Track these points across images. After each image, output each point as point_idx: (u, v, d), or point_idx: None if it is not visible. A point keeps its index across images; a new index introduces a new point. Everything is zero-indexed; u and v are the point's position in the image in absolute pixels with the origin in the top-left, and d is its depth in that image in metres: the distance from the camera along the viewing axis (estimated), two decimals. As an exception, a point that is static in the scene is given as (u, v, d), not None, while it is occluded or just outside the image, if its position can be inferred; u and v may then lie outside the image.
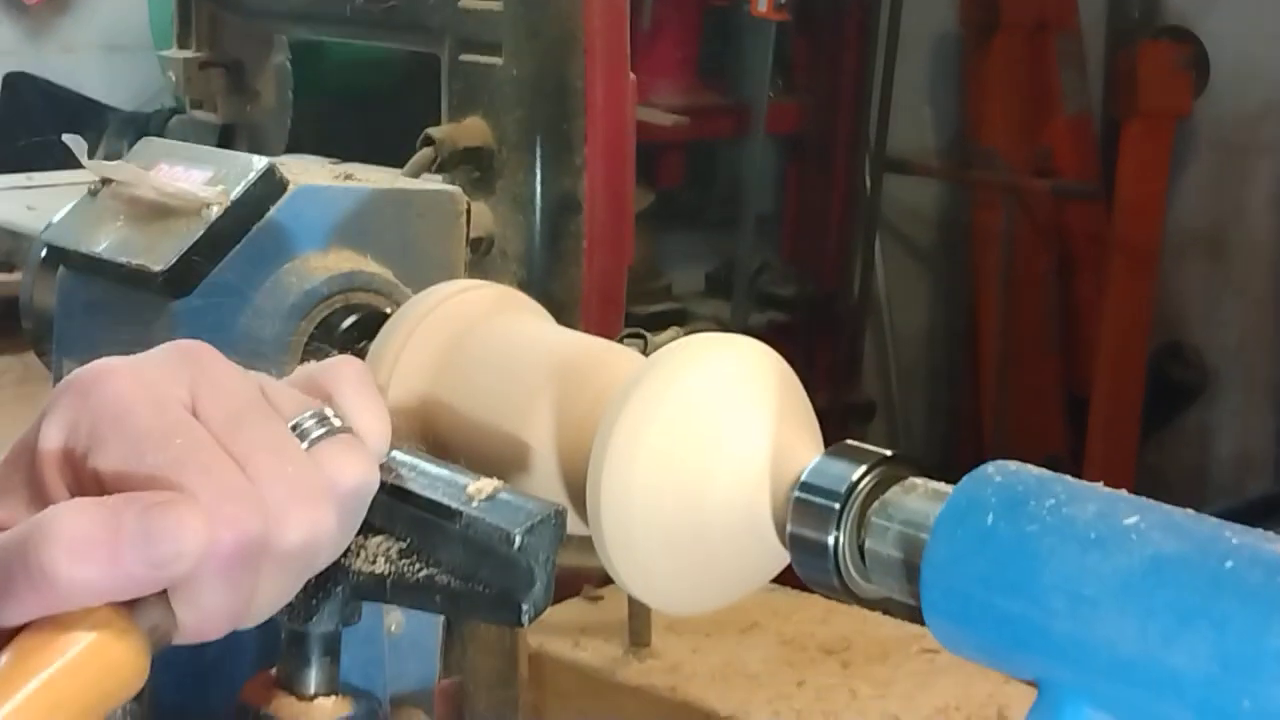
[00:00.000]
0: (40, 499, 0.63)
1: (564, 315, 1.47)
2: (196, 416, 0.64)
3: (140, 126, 3.12)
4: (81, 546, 0.58)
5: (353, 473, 0.67)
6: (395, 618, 1.01)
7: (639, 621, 1.37)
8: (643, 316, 3.34)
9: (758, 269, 4.09)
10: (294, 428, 0.67)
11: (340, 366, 0.72)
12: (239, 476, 0.63)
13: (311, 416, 0.67)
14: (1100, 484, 0.65)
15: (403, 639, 1.01)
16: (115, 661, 0.60)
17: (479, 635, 1.34)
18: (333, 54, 3.35)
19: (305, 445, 0.66)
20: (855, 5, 4.10)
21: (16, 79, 3.62)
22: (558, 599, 1.46)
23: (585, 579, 1.45)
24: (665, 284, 3.96)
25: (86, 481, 0.63)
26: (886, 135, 4.19)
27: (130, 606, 0.61)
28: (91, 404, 0.63)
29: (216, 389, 0.65)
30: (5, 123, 3.52)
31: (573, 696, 1.36)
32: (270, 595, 0.66)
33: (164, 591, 0.62)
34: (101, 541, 0.59)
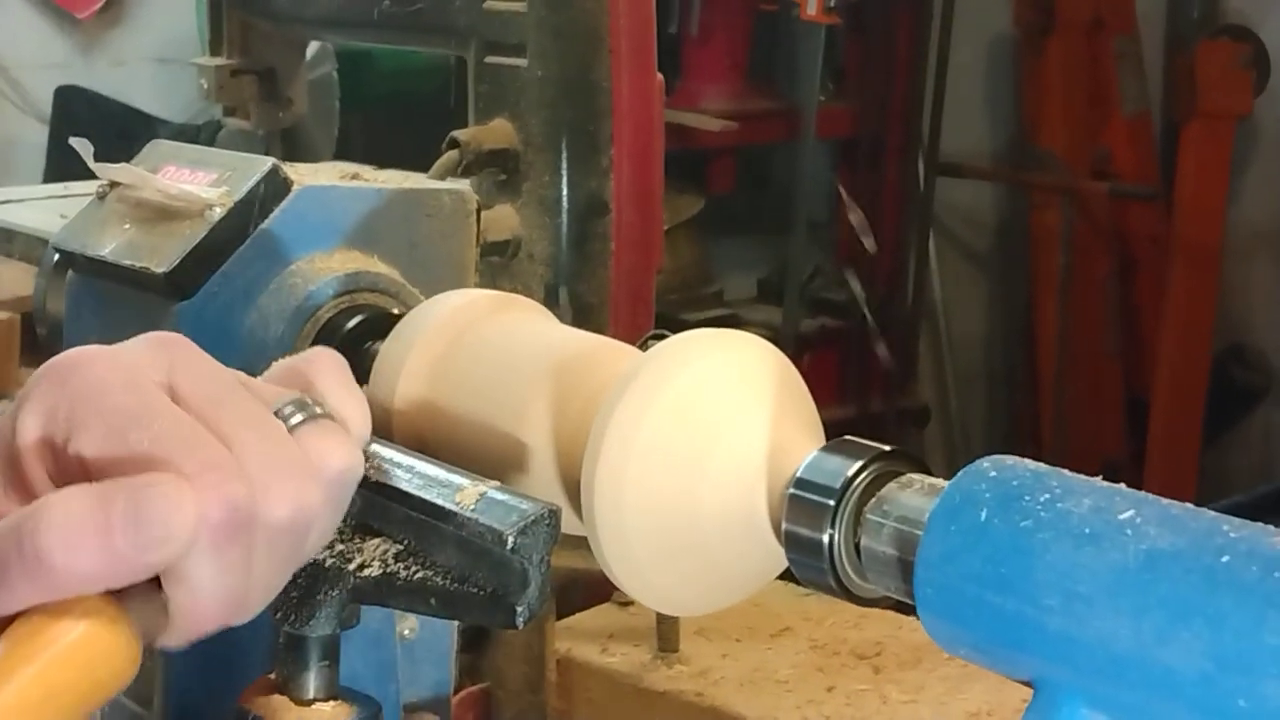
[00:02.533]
0: (20, 488, 0.63)
1: (592, 318, 1.46)
2: (176, 401, 0.64)
3: (190, 138, 3.15)
4: (76, 533, 0.58)
5: (337, 456, 0.66)
6: (409, 623, 1.00)
7: (667, 627, 1.36)
8: (694, 323, 3.32)
9: (810, 274, 4.07)
10: (275, 414, 0.66)
11: (318, 357, 0.72)
12: (223, 450, 0.62)
13: (292, 403, 0.67)
14: (1099, 479, 0.63)
15: (416, 644, 1.00)
16: (107, 650, 0.60)
17: (507, 641, 1.34)
18: (380, 63, 3.35)
19: (288, 430, 0.66)
20: (907, 7, 4.06)
21: (68, 92, 3.65)
22: (586, 605, 1.46)
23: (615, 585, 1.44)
24: (717, 290, 3.94)
25: (69, 467, 0.62)
26: (940, 138, 4.16)
27: (121, 596, 0.61)
28: (70, 389, 0.63)
29: (194, 373, 0.65)
30: (57, 136, 3.56)
31: (601, 702, 1.35)
32: (262, 579, 0.65)
33: (157, 580, 0.61)
34: (95, 527, 0.59)
